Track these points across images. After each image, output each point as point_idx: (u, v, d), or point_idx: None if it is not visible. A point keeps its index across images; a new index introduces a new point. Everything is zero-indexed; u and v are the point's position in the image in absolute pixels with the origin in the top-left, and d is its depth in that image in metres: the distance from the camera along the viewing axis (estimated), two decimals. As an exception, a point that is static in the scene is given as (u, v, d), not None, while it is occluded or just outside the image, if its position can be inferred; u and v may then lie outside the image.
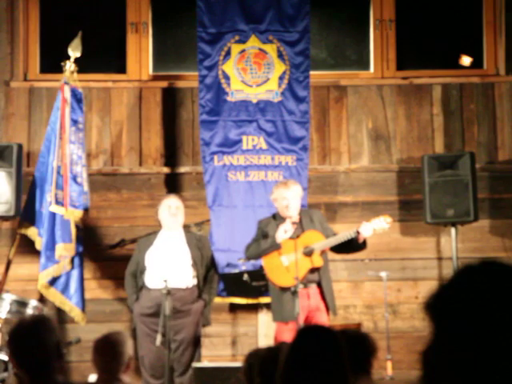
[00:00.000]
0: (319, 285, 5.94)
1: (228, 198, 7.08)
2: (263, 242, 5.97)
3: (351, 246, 6.01)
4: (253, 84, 7.25)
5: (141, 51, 7.66)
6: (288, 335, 5.65)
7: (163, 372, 5.92)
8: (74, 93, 6.87)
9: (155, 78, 7.65)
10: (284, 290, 5.87)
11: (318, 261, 5.90)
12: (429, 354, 1.45)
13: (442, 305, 1.45)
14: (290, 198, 6.00)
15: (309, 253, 5.87)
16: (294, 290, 5.73)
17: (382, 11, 7.70)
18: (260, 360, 3.15)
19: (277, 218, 6.07)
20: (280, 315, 5.91)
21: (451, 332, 1.42)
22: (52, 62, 7.34)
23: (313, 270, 5.90)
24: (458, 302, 1.43)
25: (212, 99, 7.18)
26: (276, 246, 5.92)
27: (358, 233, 5.92)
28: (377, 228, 5.96)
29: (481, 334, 1.39)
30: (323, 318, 5.85)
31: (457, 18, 7.80)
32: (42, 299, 6.72)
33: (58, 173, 6.67)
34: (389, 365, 6.57)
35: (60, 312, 6.87)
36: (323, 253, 5.98)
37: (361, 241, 5.97)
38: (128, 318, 7.00)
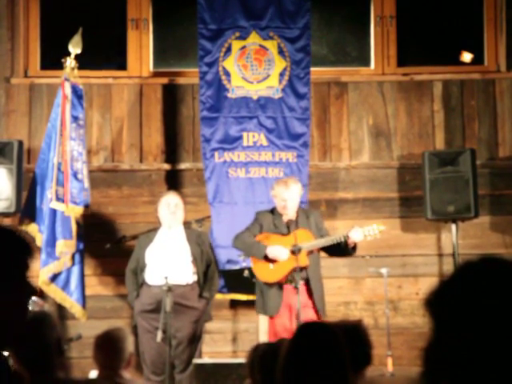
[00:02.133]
0: (307, 283, 5.95)
1: (228, 194, 7.08)
2: (254, 243, 5.99)
3: (340, 249, 6.02)
4: (253, 80, 7.24)
5: (141, 48, 7.65)
6: (276, 330, 5.79)
7: (164, 368, 5.92)
8: (74, 89, 6.87)
9: (156, 75, 7.65)
10: (269, 284, 5.92)
11: (303, 260, 5.91)
12: (429, 351, 1.45)
13: (442, 301, 1.45)
14: (289, 199, 6.05)
15: (296, 251, 5.88)
16: (295, 285, 5.79)
17: (383, 8, 7.69)
18: (260, 356, 3.15)
19: (275, 213, 6.13)
20: (263, 309, 5.98)
21: (451, 329, 1.42)
22: (52, 59, 7.34)
23: (301, 269, 5.91)
24: (458, 298, 1.43)
25: (212, 96, 7.17)
26: (260, 256, 5.94)
27: (348, 237, 5.93)
28: (367, 234, 5.98)
29: (481, 330, 1.39)
30: (310, 315, 5.87)
31: (457, 14, 7.79)
32: (42, 296, 6.72)
33: (59, 169, 6.67)
34: (389, 361, 6.58)
35: (61, 308, 6.88)
36: (311, 253, 5.99)
37: (351, 245, 5.99)
38: (128, 314, 7.00)
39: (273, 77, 7.24)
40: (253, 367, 3.18)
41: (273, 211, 6.17)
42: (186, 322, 6.09)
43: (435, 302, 1.46)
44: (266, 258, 5.95)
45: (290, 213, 6.05)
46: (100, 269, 7.26)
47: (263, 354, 3.09)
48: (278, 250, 5.91)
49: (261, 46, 7.27)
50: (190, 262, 6.18)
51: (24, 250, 1.72)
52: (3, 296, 1.65)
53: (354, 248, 6.03)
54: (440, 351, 1.43)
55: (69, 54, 6.91)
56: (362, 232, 5.95)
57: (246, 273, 6.26)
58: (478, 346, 1.38)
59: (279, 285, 5.91)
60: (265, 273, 5.97)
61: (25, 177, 6.91)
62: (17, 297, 1.68)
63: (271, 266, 5.95)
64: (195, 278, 6.19)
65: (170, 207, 6.25)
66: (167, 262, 6.12)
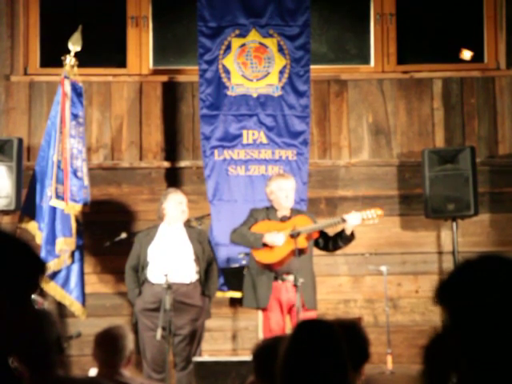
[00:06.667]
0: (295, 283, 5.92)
1: (228, 192, 7.08)
2: (251, 234, 6.00)
3: (336, 237, 6.02)
4: (253, 78, 7.24)
5: (141, 45, 7.65)
6: (270, 325, 5.86)
7: (165, 366, 5.93)
8: (74, 87, 6.87)
9: (155, 72, 7.64)
10: (263, 272, 5.93)
11: (302, 242, 5.90)
12: (434, 346, 1.46)
13: (451, 296, 1.45)
14: (289, 189, 6.10)
15: (294, 235, 5.88)
16: (295, 283, 5.78)
17: (383, 5, 7.69)
18: (264, 351, 3.14)
19: (269, 210, 6.15)
20: (254, 301, 5.97)
21: (459, 322, 1.42)
22: (52, 56, 7.33)
23: (300, 252, 5.87)
24: (461, 296, 1.43)
25: (212, 93, 7.17)
26: (259, 245, 5.95)
27: (344, 220, 5.90)
28: (365, 218, 5.94)
29: (485, 324, 1.39)
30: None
31: (457, 11, 7.79)
32: (42, 293, 6.72)
33: (59, 167, 6.67)
34: (389, 359, 6.58)
35: (60, 306, 6.88)
36: (309, 238, 5.98)
37: (349, 231, 5.96)
38: (128, 312, 7.01)
39: (272, 74, 7.24)
40: (257, 363, 3.17)
41: (267, 208, 6.20)
42: (188, 321, 6.10)
43: (445, 296, 1.47)
44: (265, 247, 5.97)
45: (291, 203, 6.09)
46: (100, 267, 7.26)
47: (268, 350, 3.08)
48: (275, 235, 5.93)
49: (260, 43, 7.27)
50: (192, 261, 6.21)
51: (38, 270, 1.68)
52: (5, 313, 1.63)
53: (352, 234, 6.01)
54: (448, 345, 1.43)
55: (68, 51, 6.91)
56: (359, 215, 5.93)
57: (246, 271, 6.25)
58: (483, 341, 1.39)
59: (269, 278, 5.91)
60: (266, 255, 5.97)
61: (24, 174, 6.91)
62: (19, 316, 1.65)
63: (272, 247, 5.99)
64: (198, 276, 6.21)
65: (182, 205, 6.33)
66: (170, 260, 6.14)
